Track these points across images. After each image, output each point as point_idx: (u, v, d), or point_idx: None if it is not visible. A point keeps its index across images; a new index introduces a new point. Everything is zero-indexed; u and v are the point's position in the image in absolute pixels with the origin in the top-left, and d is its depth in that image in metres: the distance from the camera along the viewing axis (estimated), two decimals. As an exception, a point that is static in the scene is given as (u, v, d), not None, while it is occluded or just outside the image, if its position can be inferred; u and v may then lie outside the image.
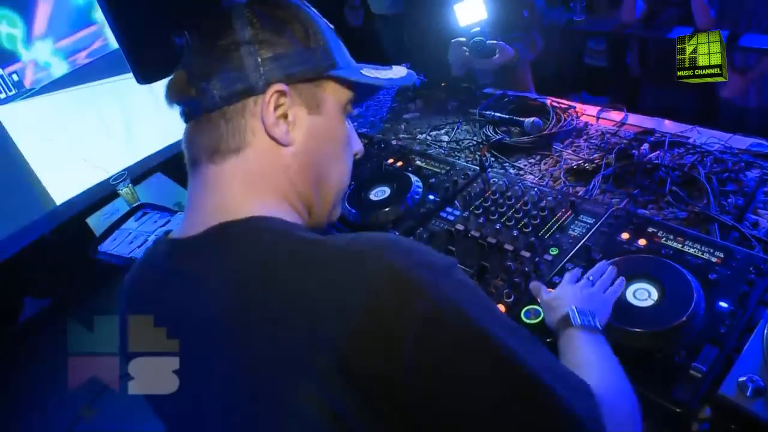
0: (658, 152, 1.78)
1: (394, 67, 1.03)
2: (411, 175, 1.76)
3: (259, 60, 0.82)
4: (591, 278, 1.23)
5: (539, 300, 1.23)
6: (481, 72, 2.60)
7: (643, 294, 1.21)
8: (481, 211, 1.56)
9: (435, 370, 0.64)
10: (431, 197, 1.69)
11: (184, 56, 0.87)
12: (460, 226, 1.53)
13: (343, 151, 0.95)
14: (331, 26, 0.94)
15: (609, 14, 3.91)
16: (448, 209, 1.62)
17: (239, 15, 0.84)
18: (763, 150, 1.73)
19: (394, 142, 2.18)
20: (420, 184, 1.74)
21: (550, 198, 1.54)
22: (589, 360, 0.97)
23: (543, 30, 3.42)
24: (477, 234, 1.48)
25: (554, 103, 2.19)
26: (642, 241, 1.35)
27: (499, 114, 2.15)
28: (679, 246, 1.32)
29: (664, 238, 1.35)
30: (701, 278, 1.22)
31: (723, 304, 1.16)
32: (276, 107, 0.83)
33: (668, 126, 1.98)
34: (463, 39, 2.35)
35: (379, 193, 1.74)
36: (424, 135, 2.24)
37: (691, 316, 1.13)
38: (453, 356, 0.65)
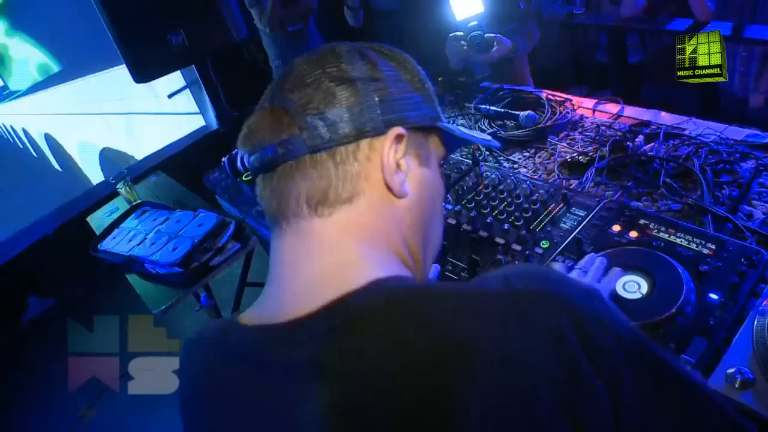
0: (653, 144, 1.77)
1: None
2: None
3: (377, 99, 0.73)
4: (582, 269, 1.22)
5: None
6: (478, 65, 2.59)
7: (632, 286, 1.21)
8: (473, 205, 1.56)
9: (635, 402, 0.59)
10: (424, 192, 1.68)
11: (268, 92, 0.77)
12: (452, 221, 1.52)
13: (441, 209, 0.88)
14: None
15: (611, 9, 3.88)
16: (442, 204, 1.61)
17: (352, 51, 0.76)
18: (760, 140, 1.72)
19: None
20: (413, 178, 1.73)
21: (542, 191, 1.54)
22: None
23: (541, 21, 3.40)
24: (469, 228, 1.48)
25: (550, 97, 2.18)
26: (633, 233, 1.34)
27: (494, 108, 2.15)
28: (671, 238, 1.31)
29: (655, 230, 1.34)
30: (692, 270, 1.21)
31: (713, 296, 1.15)
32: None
33: (664, 118, 1.96)
34: (460, 33, 2.34)
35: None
36: (419, 130, 2.23)
37: (680, 308, 1.12)
38: (648, 382, 0.61)
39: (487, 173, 1.67)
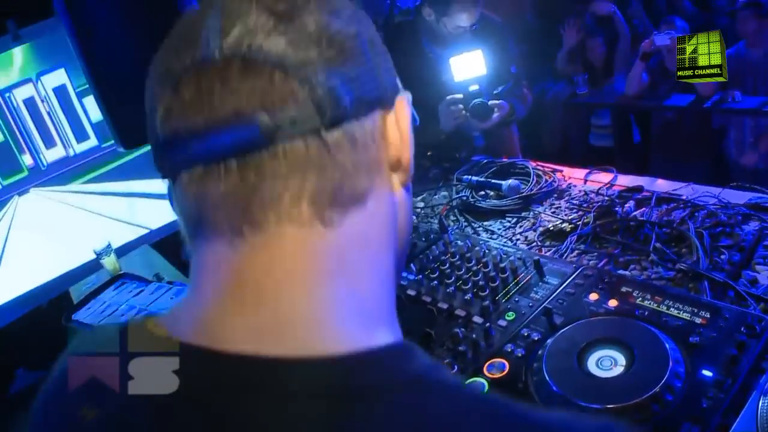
0: (644, 209, 1.61)
1: None
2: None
3: (381, 59, 0.53)
4: None
5: None
6: (476, 133, 2.49)
7: (608, 362, 1.01)
8: (437, 274, 1.39)
9: None
10: (388, 263, 1.52)
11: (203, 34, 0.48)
12: (411, 291, 1.36)
13: None
14: None
15: (606, 84, 3.81)
16: (404, 273, 1.45)
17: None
18: (763, 202, 1.54)
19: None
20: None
21: (513, 258, 1.37)
22: None
23: (544, 102, 3.32)
24: (428, 299, 1.31)
25: (538, 167, 2.04)
26: (613, 302, 1.16)
27: (476, 178, 2.01)
28: (657, 306, 1.12)
29: (639, 298, 1.15)
30: (680, 342, 1.02)
31: (707, 373, 0.96)
32: None
33: (660, 184, 1.80)
34: (459, 96, 2.17)
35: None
36: (399, 203, 2.10)
37: (664, 387, 0.93)
38: None
39: (457, 241, 1.51)
